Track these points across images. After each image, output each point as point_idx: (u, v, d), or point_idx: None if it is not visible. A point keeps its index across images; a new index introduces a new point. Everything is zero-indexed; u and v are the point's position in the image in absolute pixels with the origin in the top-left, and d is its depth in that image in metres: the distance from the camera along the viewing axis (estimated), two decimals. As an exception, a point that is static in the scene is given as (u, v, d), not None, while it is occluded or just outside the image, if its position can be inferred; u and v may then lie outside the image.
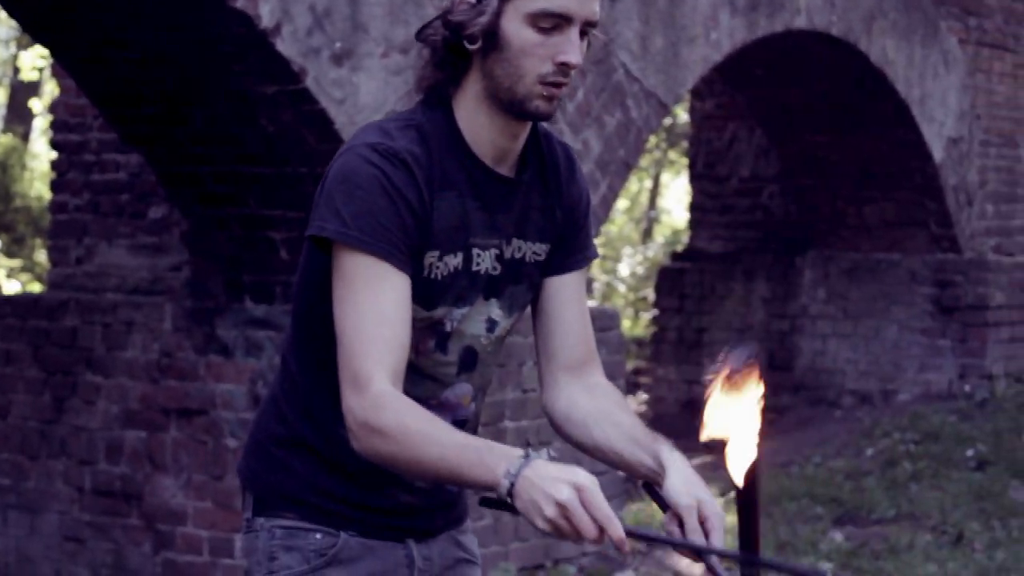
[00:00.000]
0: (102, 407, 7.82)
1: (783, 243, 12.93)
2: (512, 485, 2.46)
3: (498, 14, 2.70)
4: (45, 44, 7.39)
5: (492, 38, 2.71)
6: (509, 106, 2.74)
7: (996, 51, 12.42)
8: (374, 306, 2.66)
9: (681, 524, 2.70)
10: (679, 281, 13.44)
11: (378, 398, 2.62)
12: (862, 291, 12.39)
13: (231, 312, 7.32)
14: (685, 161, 16.36)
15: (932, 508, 9.24)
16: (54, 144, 8.57)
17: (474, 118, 2.79)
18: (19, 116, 19.31)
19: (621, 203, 24.96)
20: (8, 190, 16.78)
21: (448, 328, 2.82)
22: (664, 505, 2.74)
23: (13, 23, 18.17)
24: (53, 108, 8.63)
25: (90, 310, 7.95)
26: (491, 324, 2.88)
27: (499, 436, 7.35)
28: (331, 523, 2.86)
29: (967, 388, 11.95)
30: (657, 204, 25.81)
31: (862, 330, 12.39)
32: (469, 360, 2.88)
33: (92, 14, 6.62)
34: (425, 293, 2.76)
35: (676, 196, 26.44)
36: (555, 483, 2.42)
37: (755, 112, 12.43)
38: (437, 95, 2.81)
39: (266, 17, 6.48)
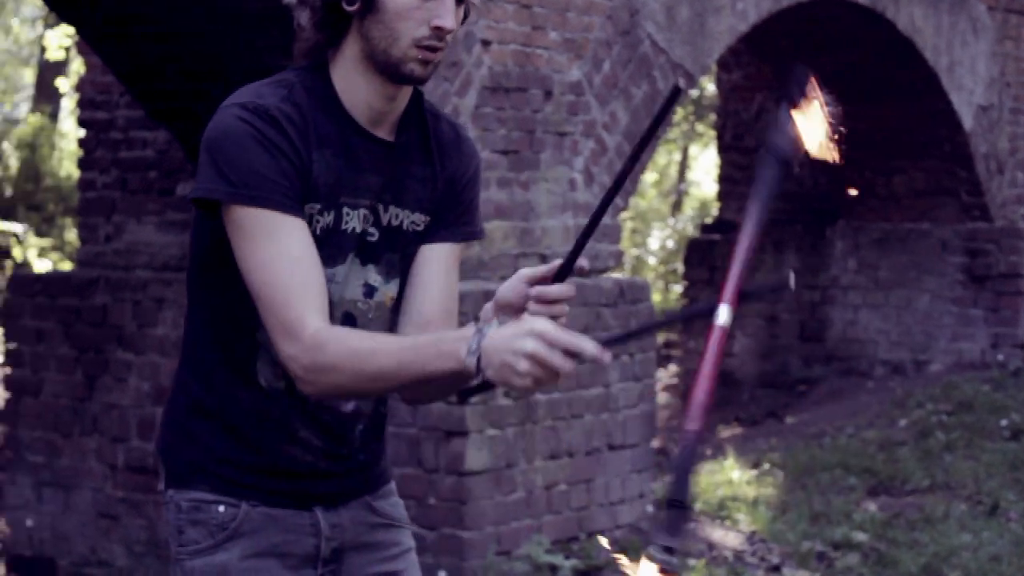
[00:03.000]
0: (133, 384, 7.83)
1: (813, 214, 12.88)
2: (479, 360, 2.48)
3: None
4: (69, 21, 7.38)
5: (372, 2, 2.73)
6: (384, 68, 2.76)
7: (1026, 18, 12.33)
8: (281, 255, 2.69)
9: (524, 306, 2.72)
10: (708, 253, 13.40)
11: (316, 337, 2.64)
12: (893, 261, 12.33)
13: (260, 288, 7.31)
14: (713, 133, 16.30)
15: (966, 478, 9.20)
16: (81, 122, 8.57)
17: (351, 79, 2.80)
18: (47, 95, 19.33)
19: (650, 176, 24.90)
20: (37, 170, 16.82)
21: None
22: (485, 385, 2.66)
23: (38, 1, 18.20)
24: (80, 86, 8.62)
25: (120, 287, 7.95)
26: (369, 289, 2.88)
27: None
28: (233, 493, 2.86)
29: (1000, 357, 11.88)
30: (686, 177, 25.75)
31: (893, 300, 12.34)
32: (347, 325, 2.85)
33: (116, -10, 6.61)
34: None
35: (705, 168, 26.36)
36: (515, 339, 2.44)
37: (782, 82, 12.35)
38: (314, 58, 2.82)
39: (290, -9, 6.45)
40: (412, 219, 2.91)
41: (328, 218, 2.79)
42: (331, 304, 2.81)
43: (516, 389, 2.48)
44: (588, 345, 2.42)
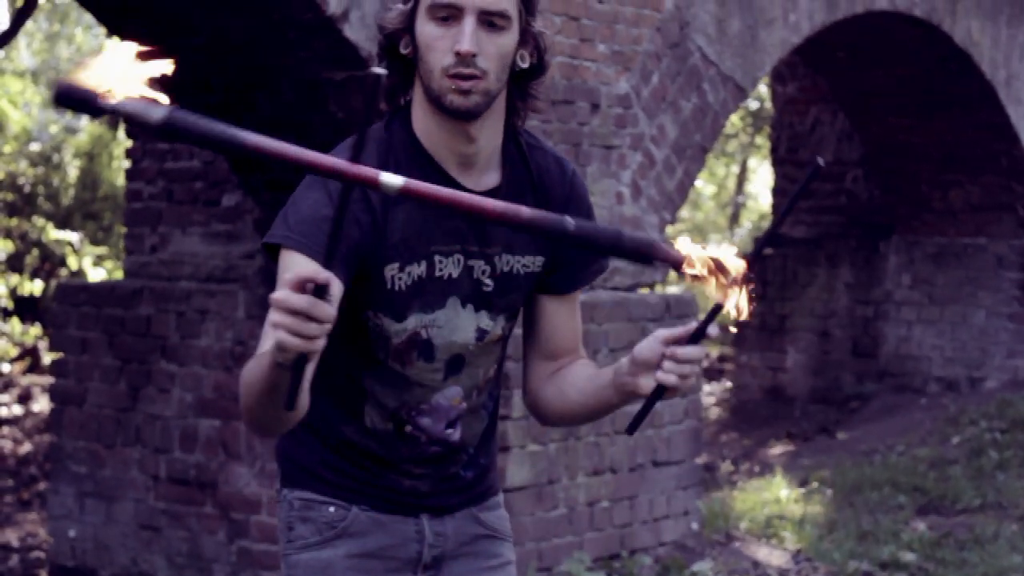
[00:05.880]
0: (177, 395, 7.83)
1: (867, 228, 12.77)
2: None
3: (413, 15, 2.78)
4: (112, 30, 7.39)
5: (414, 40, 2.78)
6: (436, 105, 2.79)
7: (1086, 31, 12.18)
8: None
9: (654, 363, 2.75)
10: (761, 267, 13.30)
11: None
12: (948, 276, 12.21)
13: (302, 300, 7.29)
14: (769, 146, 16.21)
15: (1019, 498, 9.08)
16: (129, 132, 8.59)
17: (426, 124, 2.84)
18: (105, 105, 19.42)
19: (708, 189, 24.80)
20: (95, 178, 16.90)
21: (424, 336, 2.89)
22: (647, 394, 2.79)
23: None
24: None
25: (164, 298, 7.96)
26: (481, 333, 2.96)
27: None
28: (344, 497, 2.99)
29: (1056, 375, 11.75)
30: (744, 189, 25.62)
31: (948, 316, 12.21)
32: (456, 366, 2.96)
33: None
34: (392, 305, 2.85)
35: (764, 181, 26.22)
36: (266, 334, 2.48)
37: (837, 95, 12.27)
38: (393, 102, 2.87)
39: (333, 3, 6.44)
40: (524, 262, 2.95)
41: (419, 269, 2.84)
42: (435, 348, 2.91)
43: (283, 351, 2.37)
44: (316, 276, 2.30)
